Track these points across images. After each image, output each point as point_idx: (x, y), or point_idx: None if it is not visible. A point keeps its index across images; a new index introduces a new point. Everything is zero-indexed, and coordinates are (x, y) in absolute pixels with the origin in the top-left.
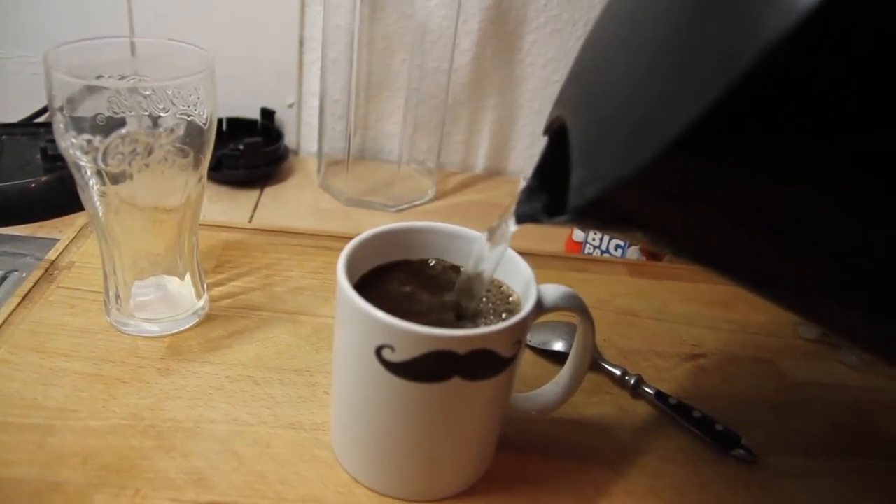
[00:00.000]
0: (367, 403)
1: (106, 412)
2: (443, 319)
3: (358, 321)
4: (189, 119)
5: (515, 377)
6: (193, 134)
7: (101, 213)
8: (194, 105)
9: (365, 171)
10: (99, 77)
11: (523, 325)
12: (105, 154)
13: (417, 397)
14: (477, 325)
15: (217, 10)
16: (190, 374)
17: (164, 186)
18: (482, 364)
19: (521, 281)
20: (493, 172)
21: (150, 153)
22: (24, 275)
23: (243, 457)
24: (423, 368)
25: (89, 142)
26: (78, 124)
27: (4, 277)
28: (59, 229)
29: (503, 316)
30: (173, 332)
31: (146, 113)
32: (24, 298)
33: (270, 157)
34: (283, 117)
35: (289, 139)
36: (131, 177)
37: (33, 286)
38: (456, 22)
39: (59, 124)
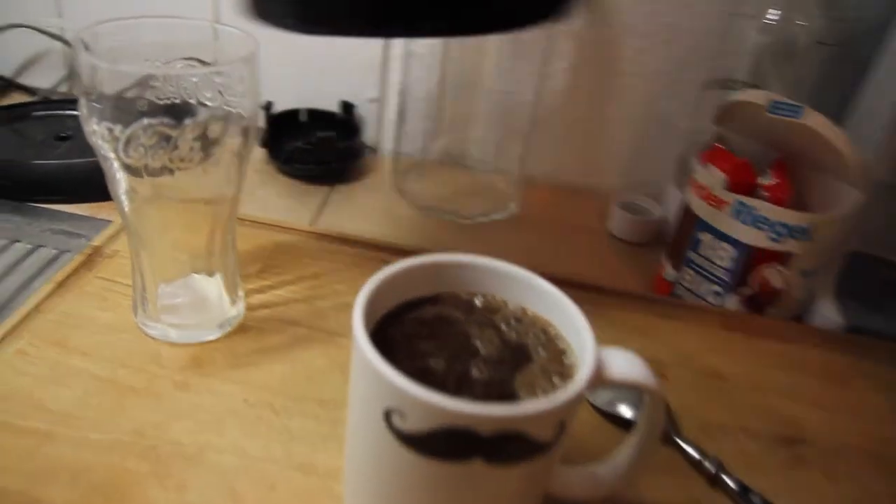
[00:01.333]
0: (376, 470)
1: (110, 424)
2: (471, 379)
3: (367, 375)
4: (229, 109)
5: (556, 461)
6: (232, 125)
7: (126, 207)
8: (235, 94)
9: (444, 177)
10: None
11: (569, 407)
12: (126, 145)
13: (430, 475)
14: (513, 393)
15: None
16: (206, 393)
17: (197, 181)
18: (511, 448)
19: (575, 333)
20: (582, 189)
21: (175, 147)
22: (73, 257)
23: (242, 498)
24: (436, 444)
25: (110, 130)
26: (101, 111)
27: (56, 257)
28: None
29: (553, 380)
30: (198, 340)
31: (178, 100)
32: (59, 285)
33: (344, 153)
34: (364, 112)
35: (368, 136)
36: (158, 171)
37: (71, 273)
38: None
39: (83, 109)
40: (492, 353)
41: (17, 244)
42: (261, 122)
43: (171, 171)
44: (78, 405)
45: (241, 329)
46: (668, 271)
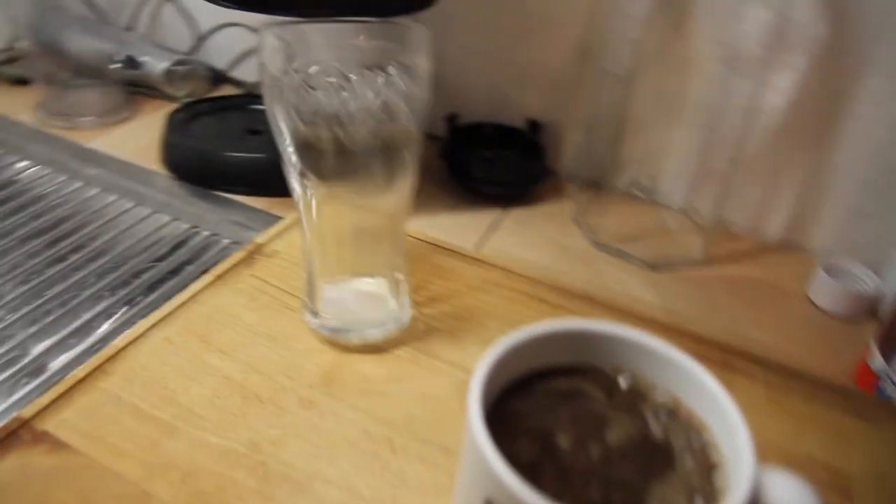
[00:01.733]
0: None
1: (229, 430)
2: (596, 476)
3: (473, 456)
4: (400, 114)
5: None
6: (402, 131)
7: (302, 205)
8: (414, 103)
9: (628, 212)
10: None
11: None
12: (305, 145)
13: None
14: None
15: (505, 9)
16: (329, 415)
17: (369, 186)
18: None
19: (733, 447)
20: (787, 246)
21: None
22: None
23: None
24: None
25: (291, 129)
26: (284, 109)
27: (226, 248)
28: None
29: (694, 502)
30: (361, 336)
31: (355, 103)
32: (217, 278)
33: (524, 174)
34: (552, 134)
35: (553, 158)
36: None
37: (230, 268)
38: (775, 52)
39: (267, 105)
40: (628, 448)
41: (199, 231)
42: (444, 133)
43: (344, 175)
44: (204, 404)
45: (376, 351)
46: (876, 359)
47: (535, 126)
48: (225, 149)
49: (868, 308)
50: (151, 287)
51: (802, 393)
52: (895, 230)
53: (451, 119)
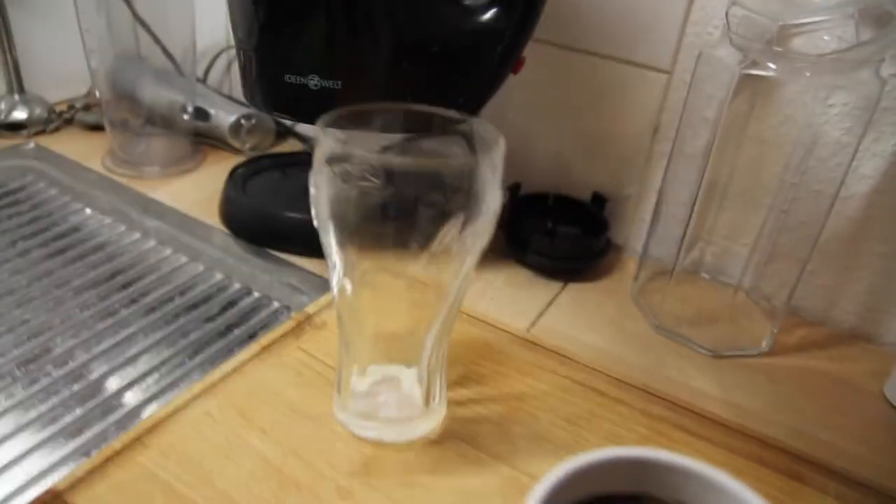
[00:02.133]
0: None
1: None
2: None
3: None
4: (468, 200)
5: None
6: (463, 216)
7: (336, 284)
8: (474, 189)
9: (692, 294)
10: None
11: None
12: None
13: None
14: None
15: (577, 78)
16: None
17: (419, 265)
18: None
19: None
20: (860, 336)
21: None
22: (291, 315)
23: None
24: None
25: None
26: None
27: (276, 312)
28: None
29: None
30: (387, 439)
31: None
32: (263, 349)
33: (586, 249)
34: (617, 208)
35: (617, 234)
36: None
37: (277, 339)
38: (860, 138)
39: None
40: None
41: (251, 292)
42: (505, 202)
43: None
44: (239, 488)
45: (423, 440)
46: None
47: (599, 199)
48: (283, 208)
49: None
50: (197, 349)
51: None
52: None
53: (513, 189)
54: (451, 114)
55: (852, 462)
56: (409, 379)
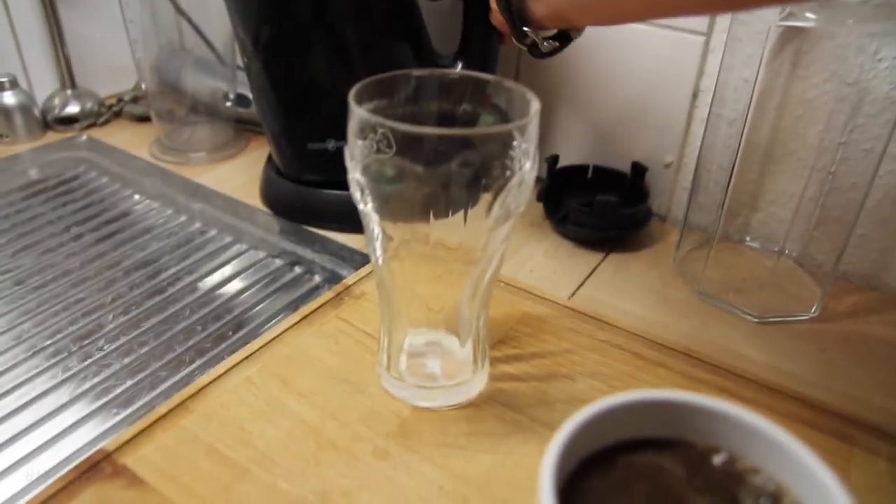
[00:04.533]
0: None
1: (301, 477)
2: None
3: None
4: (503, 167)
5: None
6: (498, 185)
7: (378, 254)
8: (509, 156)
9: (736, 261)
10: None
11: None
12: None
13: None
14: None
15: (612, 39)
16: (403, 468)
17: (457, 233)
18: None
19: None
20: None
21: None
22: (330, 287)
23: None
24: None
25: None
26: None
27: (317, 287)
28: None
29: None
30: (432, 405)
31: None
32: (303, 318)
33: (625, 220)
34: (657, 177)
35: (658, 203)
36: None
37: (317, 308)
38: None
39: (347, 152)
40: None
41: (293, 268)
42: (543, 174)
43: (426, 222)
44: (279, 448)
45: (461, 404)
46: None
47: (639, 169)
48: (320, 185)
49: None
50: (241, 323)
51: None
52: None
53: (552, 161)
54: (485, 77)
55: None
56: (452, 344)
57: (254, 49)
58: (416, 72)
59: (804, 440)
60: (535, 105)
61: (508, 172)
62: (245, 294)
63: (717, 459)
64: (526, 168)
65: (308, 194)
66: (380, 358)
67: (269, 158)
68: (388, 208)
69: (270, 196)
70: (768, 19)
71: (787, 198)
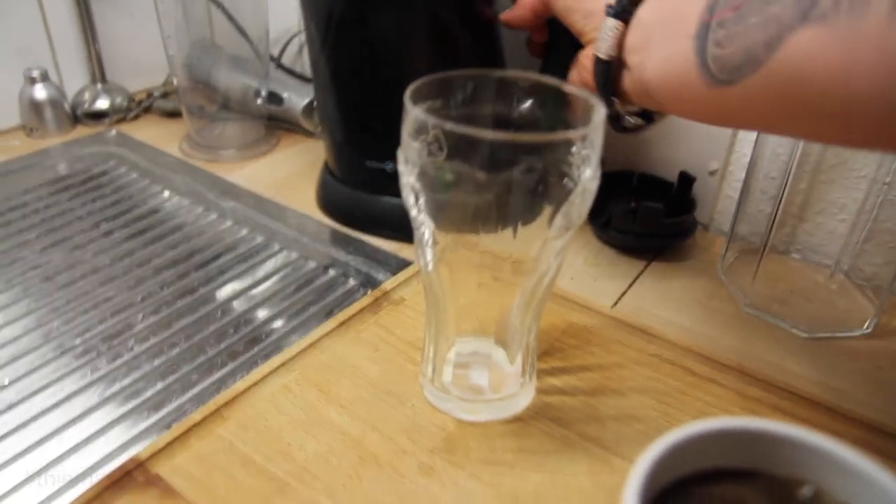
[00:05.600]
0: None
1: (341, 493)
2: None
3: None
4: (563, 175)
5: None
6: (558, 194)
7: (428, 261)
8: (572, 163)
9: (784, 273)
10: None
11: None
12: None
13: None
14: None
15: None
16: (450, 485)
17: (508, 244)
18: None
19: None
20: None
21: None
22: (368, 292)
23: None
24: None
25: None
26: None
27: (352, 291)
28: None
29: None
30: (478, 419)
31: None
32: (340, 325)
33: (669, 228)
34: (701, 185)
35: (703, 212)
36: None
37: (355, 314)
38: None
39: (401, 155)
40: None
41: (328, 271)
42: None
43: (477, 232)
44: (319, 461)
45: (540, 415)
46: None
47: (686, 178)
48: (379, 191)
49: None
50: (274, 327)
51: None
52: None
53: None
54: (549, 80)
55: None
56: (500, 356)
57: (322, 49)
58: (476, 71)
59: None
60: (599, 112)
61: (570, 182)
62: (278, 296)
63: (806, 492)
64: (587, 177)
65: (367, 201)
66: (423, 368)
67: (325, 164)
68: (443, 215)
69: (327, 201)
70: None
71: (837, 209)
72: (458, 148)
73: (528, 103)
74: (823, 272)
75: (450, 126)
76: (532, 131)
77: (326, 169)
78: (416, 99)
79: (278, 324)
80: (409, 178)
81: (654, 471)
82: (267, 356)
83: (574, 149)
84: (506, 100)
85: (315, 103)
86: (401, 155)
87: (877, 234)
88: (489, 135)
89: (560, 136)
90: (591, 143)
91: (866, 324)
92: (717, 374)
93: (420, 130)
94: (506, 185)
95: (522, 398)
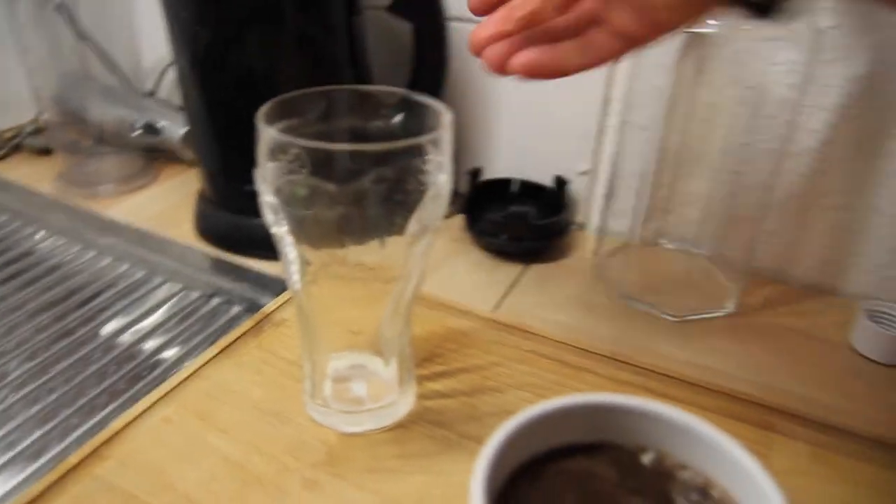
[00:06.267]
0: None
1: None
2: None
3: None
4: (418, 182)
5: None
6: (413, 200)
7: (295, 280)
8: (423, 170)
9: (653, 263)
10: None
11: None
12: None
13: None
14: None
15: None
16: (334, 497)
17: (375, 254)
18: None
19: None
20: (820, 291)
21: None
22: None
23: None
24: None
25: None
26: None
27: (236, 317)
28: None
29: None
30: (362, 429)
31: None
32: (221, 351)
33: (544, 230)
34: (575, 186)
35: (576, 212)
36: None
37: (236, 339)
38: (804, 94)
39: (258, 175)
40: None
41: (210, 300)
42: (466, 188)
43: (340, 245)
44: (200, 489)
45: (390, 426)
46: None
47: (560, 181)
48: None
49: None
50: (157, 361)
51: (851, 452)
52: None
53: (474, 174)
54: (397, 92)
55: (823, 410)
56: (377, 365)
57: (192, 78)
58: (326, 88)
59: (727, 432)
60: (446, 117)
61: (423, 187)
62: (161, 329)
63: (646, 459)
64: (441, 182)
65: (247, 225)
66: (304, 385)
67: (201, 192)
68: (303, 230)
69: (206, 229)
70: None
71: (699, 199)
72: (315, 163)
73: (384, 116)
74: (690, 259)
75: (301, 142)
76: (388, 141)
77: (204, 197)
78: (270, 119)
79: (162, 357)
80: (267, 198)
81: (503, 452)
82: (150, 392)
83: (425, 155)
84: (361, 114)
85: (188, 129)
86: (258, 175)
87: (734, 220)
88: (339, 147)
89: (408, 143)
90: (440, 148)
91: (728, 304)
92: (591, 364)
93: (274, 150)
94: (360, 195)
95: (402, 405)
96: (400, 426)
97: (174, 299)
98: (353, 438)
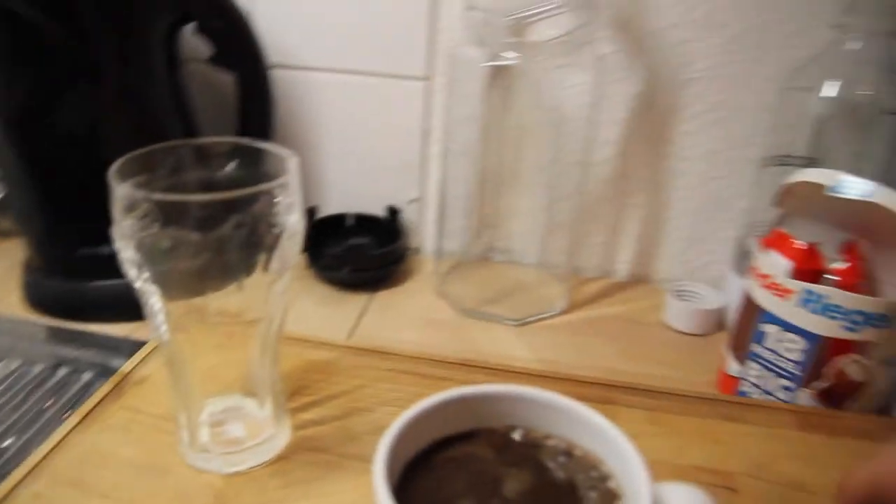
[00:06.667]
0: None
1: None
2: None
3: None
4: (270, 224)
5: None
6: (269, 242)
7: (161, 331)
8: (277, 212)
9: (489, 276)
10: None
11: None
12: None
13: None
14: None
15: (346, 94)
16: None
17: (235, 300)
18: None
19: (628, 473)
20: (637, 280)
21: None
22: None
23: None
24: None
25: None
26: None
27: (89, 384)
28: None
29: None
30: (242, 468)
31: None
32: (84, 418)
33: (383, 259)
34: (408, 214)
35: (412, 238)
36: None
37: (98, 404)
38: (597, 111)
39: (115, 232)
40: (531, 495)
41: (56, 370)
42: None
43: (203, 292)
44: None
45: (272, 460)
46: (732, 365)
47: (392, 211)
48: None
49: (717, 322)
50: (5, 445)
51: (678, 409)
52: (726, 251)
53: (311, 212)
54: (243, 141)
55: (652, 379)
56: (251, 405)
57: (11, 144)
58: (174, 143)
59: None
60: (292, 161)
61: (277, 229)
62: (4, 411)
63: (517, 435)
64: (293, 221)
65: (86, 289)
66: (180, 436)
67: (28, 261)
68: (168, 283)
69: (39, 300)
70: (478, 60)
71: (521, 213)
72: (171, 216)
73: (229, 165)
74: (520, 268)
75: (158, 196)
76: (236, 189)
77: (31, 266)
78: (121, 176)
79: (11, 440)
80: (127, 254)
81: (394, 453)
82: (6, 475)
83: (276, 199)
84: (207, 165)
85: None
86: (115, 233)
87: (555, 228)
88: (196, 198)
89: (261, 188)
90: (289, 190)
91: (559, 303)
92: (447, 372)
93: (130, 206)
94: (220, 241)
95: (280, 437)
96: (281, 458)
97: (13, 377)
98: (238, 478)
